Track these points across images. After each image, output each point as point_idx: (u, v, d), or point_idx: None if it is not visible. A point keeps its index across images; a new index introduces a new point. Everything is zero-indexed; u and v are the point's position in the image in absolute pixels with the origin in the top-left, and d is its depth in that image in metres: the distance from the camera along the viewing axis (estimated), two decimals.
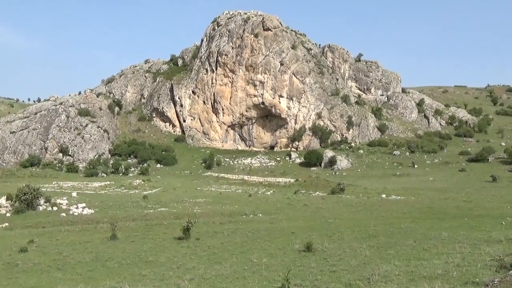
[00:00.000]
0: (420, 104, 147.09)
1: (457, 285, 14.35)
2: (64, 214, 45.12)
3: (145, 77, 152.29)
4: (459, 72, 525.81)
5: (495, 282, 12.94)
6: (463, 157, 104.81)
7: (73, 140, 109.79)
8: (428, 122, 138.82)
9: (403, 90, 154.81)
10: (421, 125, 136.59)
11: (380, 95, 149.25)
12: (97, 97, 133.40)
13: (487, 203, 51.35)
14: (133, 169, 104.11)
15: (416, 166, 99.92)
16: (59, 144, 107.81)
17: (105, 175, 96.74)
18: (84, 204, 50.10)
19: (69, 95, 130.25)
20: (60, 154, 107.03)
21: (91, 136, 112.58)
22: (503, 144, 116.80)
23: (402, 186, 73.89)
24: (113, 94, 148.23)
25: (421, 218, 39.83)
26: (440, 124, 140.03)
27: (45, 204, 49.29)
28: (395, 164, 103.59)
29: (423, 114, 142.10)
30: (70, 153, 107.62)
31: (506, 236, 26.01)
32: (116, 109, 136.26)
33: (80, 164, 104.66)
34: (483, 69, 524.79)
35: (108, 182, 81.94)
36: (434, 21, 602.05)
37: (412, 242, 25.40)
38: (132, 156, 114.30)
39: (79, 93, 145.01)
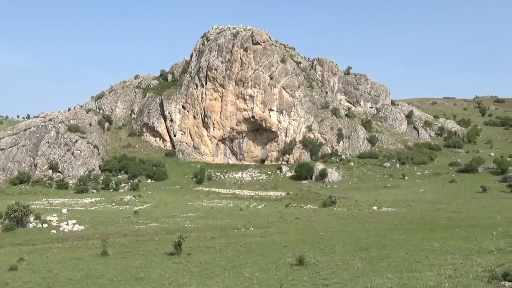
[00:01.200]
0: (409, 116, 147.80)
1: None
2: (54, 231, 44.80)
3: (135, 92, 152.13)
4: (447, 84, 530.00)
5: None
6: (453, 168, 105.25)
7: (63, 156, 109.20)
8: (418, 133, 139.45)
9: (392, 102, 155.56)
10: (410, 137, 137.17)
11: (370, 107, 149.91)
12: (87, 113, 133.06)
13: (477, 214, 51.54)
14: (123, 184, 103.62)
15: (406, 177, 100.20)
16: (48, 161, 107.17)
17: (95, 191, 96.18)
18: (74, 221, 49.79)
19: (59, 112, 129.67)
20: (50, 171, 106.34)
21: (81, 152, 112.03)
22: (492, 154, 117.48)
23: (393, 198, 74.05)
24: (103, 110, 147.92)
25: (413, 229, 39.89)
26: (430, 135, 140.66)
27: (35, 221, 48.95)
28: (385, 176, 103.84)
29: (412, 125, 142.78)
30: (60, 170, 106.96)
31: (497, 246, 26.11)
32: (106, 124, 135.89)
33: (70, 181, 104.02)
34: (471, 80, 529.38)
35: (99, 198, 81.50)
36: (422, 33, 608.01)
37: (404, 254, 25.44)
38: (122, 171, 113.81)
39: (69, 109, 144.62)
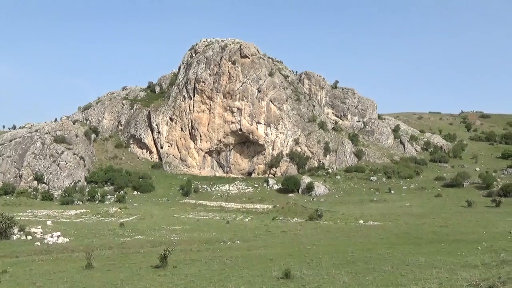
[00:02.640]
0: (396, 130, 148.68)
1: None
2: (38, 243, 44.30)
3: (122, 104, 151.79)
4: (433, 98, 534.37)
5: None
6: (438, 182, 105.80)
7: (48, 167, 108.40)
8: (404, 147, 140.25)
9: (379, 117, 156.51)
10: (397, 151, 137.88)
11: (357, 121, 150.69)
12: (74, 124, 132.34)
13: (463, 228, 51.82)
14: (109, 196, 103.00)
15: (392, 191, 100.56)
16: (34, 172, 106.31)
17: (81, 202, 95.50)
18: (59, 233, 49.31)
19: (45, 122, 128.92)
20: (35, 182, 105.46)
21: (66, 163, 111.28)
22: (477, 169, 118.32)
23: (379, 212, 74.19)
24: (90, 121, 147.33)
25: (399, 243, 40.04)
26: (416, 150, 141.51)
27: (19, 233, 48.41)
28: (372, 189, 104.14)
29: (399, 140, 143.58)
30: (45, 181, 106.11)
31: (482, 261, 26.26)
32: (93, 136, 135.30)
33: (55, 192, 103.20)
34: (457, 96, 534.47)
35: (84, 210, 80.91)
36: (408, 49, 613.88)
37: (389, 268, 25.52)
38: (108, 183, 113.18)
39: (55, 120, 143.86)
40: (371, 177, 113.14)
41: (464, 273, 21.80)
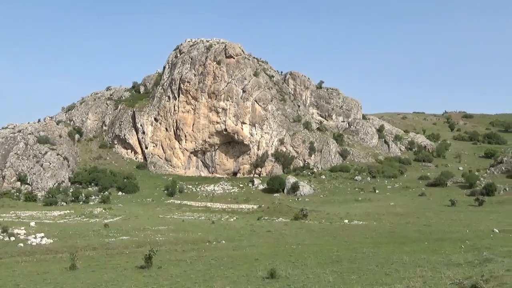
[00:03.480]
0: (380, 130, 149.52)
1: None
2: (21, 245, 43.92)
3: (107, 104, 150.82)
4: (417, 99, 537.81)
5: None
6: (422, 182, 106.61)
7: (31, 168, 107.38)
8: (388, 147, 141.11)
9: (364, 117, 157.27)
10: (381, 151, 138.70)
11: (341, 121, 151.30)
12: (57, 124, 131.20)
13: (446, 227, 52.32)
14: (94, 197, 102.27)
15: (377, 191, 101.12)
16: (17, 173, 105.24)
17: (65, 203, 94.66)
18: (42, 234, 48.91)
19: (28, 123, 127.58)
20: (18, 183, 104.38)
21: (50, 164, 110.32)
22: (460, 168, 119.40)
23: (364, 211, 74.63)
24: (74, 121, 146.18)
25: (383, 242, 40.30)
26: (400, 149, 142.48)
27: (2, 234, 47.94)
28: (356, 189, 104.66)
29: (383, 139, 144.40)
30: (28, 182, 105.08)
31: (466, 259, 26.54)
32: (77, 136, 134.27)
33: (39, 193, 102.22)
34: (441, 96, 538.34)
35: (68, 211, 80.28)
36: (393, 49, 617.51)
37: (374, 267, 25.67)
38: (93, 184, 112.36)
39: (39, 120, 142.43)
40: (356, 177, 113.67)
41: (448, 272, 22.00)
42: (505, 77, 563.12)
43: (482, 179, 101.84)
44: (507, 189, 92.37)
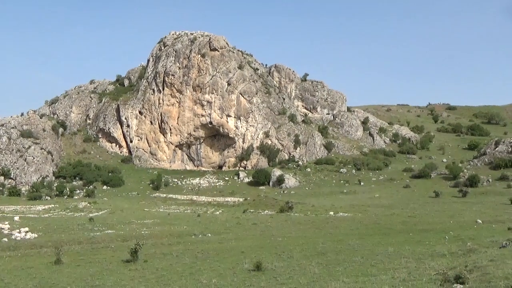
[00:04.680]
0: (365, 122, 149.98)
1: None
2: (5, 239, 43.60)
3: (91, 97, 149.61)
4: (401, 91, 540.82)
5: None
6: (407, 174, 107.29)
7: (15, 162, 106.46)
8: (373, 139, 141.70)
9: (349, 109, 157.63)
10: (366, 143, 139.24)
11: (326, 114, 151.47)
12: (41, 118, 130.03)
13: (430, 218, 52.80)
14: (78, 191, 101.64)
15: (362, 183, 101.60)
16: (0, 167, 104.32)
17: (49, 198, 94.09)
18: (27, 228, 48.60)
19: (11, 117, 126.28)
20: (2, 177, 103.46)
21: (34, 158, 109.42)
22: (444, 160, 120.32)
23: (349, 203, 74.99)
24: (57, 115, 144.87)
25: (368, 234, 40.56)
26: (385, 142, 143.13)
27: None
28: (342, 181, 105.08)
29: (368, 132, 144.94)
30: (12, 176, 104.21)
31: (450, 250, 26.81)
32: (61, 130, 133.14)
33: (22, 187, 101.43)
34: (424, 88, 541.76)
35: (52, 205, 79.81)
36: (376, 42, 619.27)
37: (359, 258, 25.84)
38: (77, 178, 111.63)
39: (22, 114, 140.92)
40: (341, 169, 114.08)
41: (432, 262, 22.21)
42: (487, 70, 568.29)
43: (465, 170, 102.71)
44: (490, 180, 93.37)
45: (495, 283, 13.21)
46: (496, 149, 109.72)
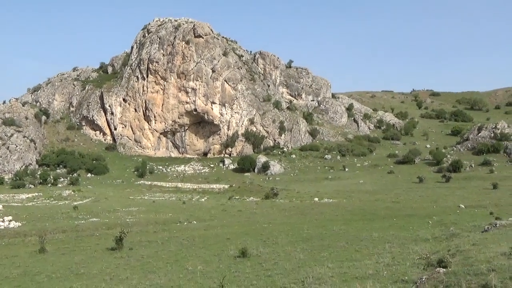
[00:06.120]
0: (349, 108, 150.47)
1: (387, 284, 14.80)
2: None
3: (74, 85, 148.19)
4: (386, 77, 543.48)
5: (423, 279, 13.44)
6: (391, 160, 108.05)
7: None
8: (358, 126, 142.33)
9: (333, 96, 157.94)
10: (351, 129, 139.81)
11: (311, 100, 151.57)
12: (23, 106, 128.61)
13: (414, 204, 53.28)
14: (62, 179, 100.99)
15: (347, 169, 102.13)
16: None
17: (32, 186, 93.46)
18: (10, 217, 48.18)
19: None
20: None
21: (16, 146, 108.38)
22: (428, 146, 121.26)
23: (334, 189, 75.37)
24: (40, 103, 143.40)
25: (353, 219, 40.84)
26: (369, 128, 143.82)
27: None
28: (326, 167, 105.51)
29: (352, 118, 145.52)
30: None
31: (433, 234, 27.12)
32: (44, 118, 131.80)
33: (5, 176, 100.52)
34: (408, 74, 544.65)
35: (36, 194, 79.26)
36: (360, 28, 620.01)
37: (344, 244, 26.02)
38: (61, 166, 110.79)
39: (4, 102, 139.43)
40: (326, 156, 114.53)
41: (416, 247, 22.43)
42: (470, 55, 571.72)
43: (448, 156, 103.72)
44: (473, 165, 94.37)
45: (477, 266, 13.39)
46: (479, 134, 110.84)
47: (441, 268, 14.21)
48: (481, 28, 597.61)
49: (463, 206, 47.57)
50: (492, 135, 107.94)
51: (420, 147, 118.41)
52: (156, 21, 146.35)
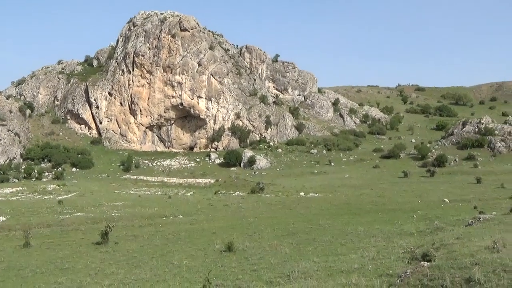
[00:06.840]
0: (335, 103, 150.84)
1: (372, 277, 14.90)
2: None
3: (58, 78, 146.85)
4: (371, 72, 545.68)
5: (407, 273, 13.53)
6: (376, 154, 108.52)
7: None
8: (344, 120, 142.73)
9: (319, 90, 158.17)
10: (336, 124, 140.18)
11: (297, 95, 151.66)
12: (7, 99, 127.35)
13: (399, 198, 53.62)
14: (47, 173, 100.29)
15: (332, 164, 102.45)
16: None
17: (17, 180, 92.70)
18: None
19: None
20: None
21: (1, 140, 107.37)
22: (413, 140, 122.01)
23: (319, 184, 75.60)
24: (25, 96, 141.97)
25: (338, 214, 41.01)
26: (355, 123, 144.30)
27: None
28: (312, 162, 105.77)
29: (338, 113, 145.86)
30: None
31: (417, 229, 27.36)
32: (28, 111, 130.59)
33: None
34: (394, 69, 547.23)
35: (20, 188, 78.52)
36: (347, 23, 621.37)
37: (330, 238, 26.18)
38: (45, 160, 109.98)
39: None
40: (312, 150, 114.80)
41: (400, 241, 22.62)
42: (455, 51, 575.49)
43: (433, 150, 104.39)
44: (457, 160, 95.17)
45: (461, 260, 13.51)
46: (463, 129, 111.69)
47: (425, 262, 14.31)
48: (466, 24, 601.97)
49: (447, 201, 47.99)
50: (477, 130, 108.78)
51: (405, 141, 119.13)
52: (142, 14, 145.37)
